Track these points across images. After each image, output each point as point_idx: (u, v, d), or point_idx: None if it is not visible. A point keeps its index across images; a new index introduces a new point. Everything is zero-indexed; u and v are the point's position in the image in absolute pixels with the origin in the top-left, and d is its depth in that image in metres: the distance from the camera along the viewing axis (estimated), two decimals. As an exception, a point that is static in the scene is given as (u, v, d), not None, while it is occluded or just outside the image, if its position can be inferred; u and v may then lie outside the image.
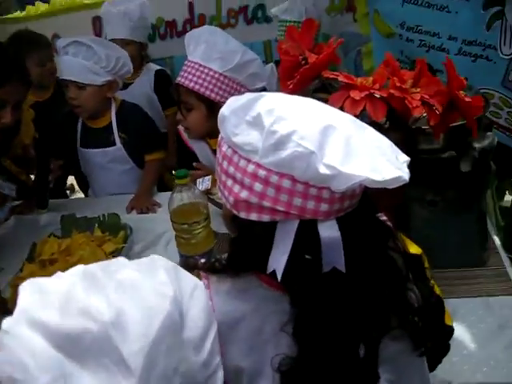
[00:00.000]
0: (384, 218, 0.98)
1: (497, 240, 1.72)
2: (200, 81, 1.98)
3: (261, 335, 0.90)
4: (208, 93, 1.99)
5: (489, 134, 1.53)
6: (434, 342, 0.98)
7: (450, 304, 1.43)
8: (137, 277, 0.67)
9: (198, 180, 1.87)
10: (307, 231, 0.81)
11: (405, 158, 0.82)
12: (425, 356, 0.93)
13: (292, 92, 1.26)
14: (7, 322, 0.61)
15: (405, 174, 0.79)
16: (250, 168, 0.81)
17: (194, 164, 2.07)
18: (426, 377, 0.98)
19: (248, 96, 0.86)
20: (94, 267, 0.68)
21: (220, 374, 0.74)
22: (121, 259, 0.72)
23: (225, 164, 0.86)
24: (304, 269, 0.83)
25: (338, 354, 0.85)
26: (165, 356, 0.63)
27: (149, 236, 1.98)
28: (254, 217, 0.83)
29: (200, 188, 1.76)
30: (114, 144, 2.35)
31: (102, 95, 2.26)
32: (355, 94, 1.16)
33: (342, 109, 1.16)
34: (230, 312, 0.90)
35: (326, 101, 1.21)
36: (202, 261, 0.99)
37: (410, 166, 0.84)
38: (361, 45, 2.65)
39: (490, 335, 1.39)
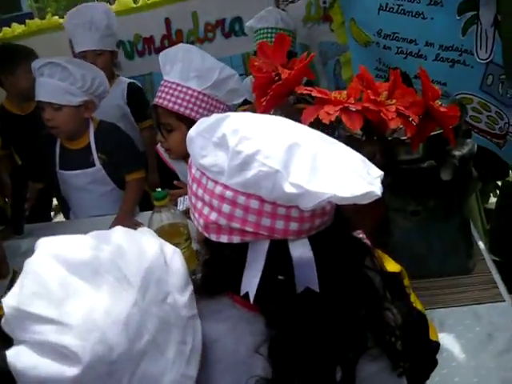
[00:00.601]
0: (361, 235, 0.97)
1: (482, 246, 1.71)
2: (179, 101, 1.96)
3: (235, 356, 0.88)
4: (188, 112, 1.97)
5: (468, 140, 1.52)
6: (418, 359, 0.97)
7: (437, 314, 1.43)
8: (130, 233, 0.83)
9: (179, 199, 1.85)
10: (278, 251, 0.80)
11: (377, 173, 0.81)
12: (404, 376, 0.91)
13: (265, 109, 1.25)
14: (31, 257, 0.76)
15: (376, 189, 0.77)
16: (218, 190, 0.81)
17: (175, 182, 2.05)
18: None
19: (215, 117, 0.86)
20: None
21: (198, 322, 0.85)
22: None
23: (194, 186, 0.86)
24: (277, 289, 0.82)
25: (314, 377, 0.84)
26: (155, 283, 0.77)
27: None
28: (224, 239, 0.82)
29: (180, 208, 1.74)
30: (93, 165, 2.32)
31: (78, 116, 2.24)
32: (329, 109, 1.15)
33: (317, 119, 1.16)
34: (204, 334, 0.88)
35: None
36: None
37: (391, 178, 0.83)
38: (339, 54, 2.65)
39: (479, 344, 1.38)
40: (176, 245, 1.43)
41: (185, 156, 2.11)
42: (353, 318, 0.85)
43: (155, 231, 1.47)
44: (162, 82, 2.03)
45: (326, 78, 2.99)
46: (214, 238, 0.83)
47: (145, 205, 2.42)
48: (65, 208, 2.66)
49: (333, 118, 1.12)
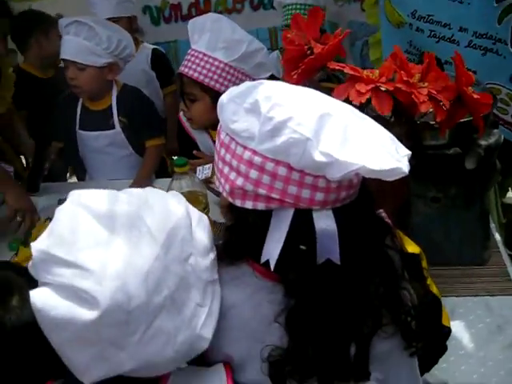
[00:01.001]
0: (383, 214, 0.97)
1: (498, 238, 1.70)
2: (204, 71, 1.94)
3: (251, 324, 0.89)
4: (213, 83, 1.95)
5: (495, 131, 1.50)
6: (429, 342, 0.97)
7: (449, 302, 1.43)
8: (160, 191, 0.88)
9: (198, 168, 1.85)
10: (302, 220, 0.80)
11: (405, 152, 0.81)
12: (416, 356, 0.92)
13: (296, 82, 1.23)
14: (58, 207, 0.81)
15: (404, 167, 0.77)
16: (246, 155, 0.81)
17: (195, 152, 2.04)
18: (415, 377, 0.96)
19: (247, 84, 0.86)
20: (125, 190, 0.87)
21: (218, 288, 0.87)
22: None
23: (222, 151, 0.86)
24: (298, 259, 0.82)
25: (329, 349, 0.84)
26: (179, 243, 0.79)
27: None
28: (249, 205, 0.83)
29: (200, 177, 1.74)
30: (113, 127, 2.32)
31: (102, 77, 2.22)
32: (361, 87, 1.13)
33: (346, 101, 1.14)
34: (221, 299, 0.89)
35: (333, 90, 1.20)
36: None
37: (414, 162, 0.82)
38: (368, 35, 2.61)
39: (489, 335, 1.38)
40: (194, 213, 1.46)
41: (206, 126, 2.11)
42: (370, 294, 0.85)
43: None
44: (189, 51, 2.00)
45: (352, 59, 2.96)
46: (238, 203, 0.84)
47: (162, 172, 2.43)
48: (78, 170, 2.66)
49: (363, 100, 1.11)
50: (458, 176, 1.45)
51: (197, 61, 1.95)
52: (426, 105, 1.15)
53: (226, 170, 0.85)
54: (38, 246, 0.76)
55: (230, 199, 0.85)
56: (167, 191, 1.48)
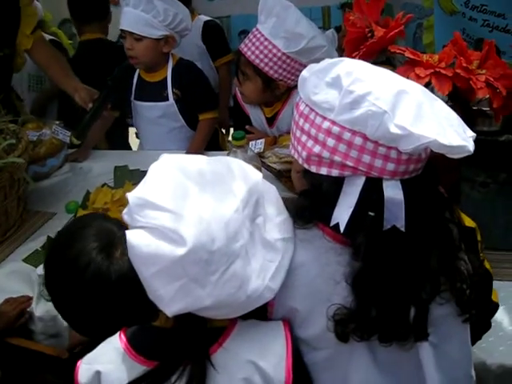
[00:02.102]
0: (442, 190, 1.01)
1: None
2: (261, 56, 1.98)
3: (317, 283, 0.95)
4: (267, 69, 1.99)
5: (548, 120, 1.51)
6: (479, 314, 1.00)
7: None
8: (239, 160, 0.97)
9: (251, 142, 1.90)
10: (373, 188, 0.87)
11: (471, 133, 0.87)
12: (468, 324, 0.97)
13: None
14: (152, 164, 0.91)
15: (470, 146, 0.83)
16: (325, 125, 0.88)
17: (247, 127, 2.09)
18: (466, 344, 1.01)
19: (328, 61, 0.93)
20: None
21: (291, 245, 0.95)
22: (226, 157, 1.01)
23: (301, 121, 0.93)
24: (367, 224, 0.89)
25: (391, 310, 0.90)
26: (253, 203, 0.88)
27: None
28: (324, 171, 0.90)
29: (253, 150, 1.79)
30: (166, 99, 2.38)
31: (158, 49, 2.28)
32: (420, 71, 1.17)
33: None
34: (291, 258, 0.95)
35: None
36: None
37: None
38: (422, 17, 2.60)
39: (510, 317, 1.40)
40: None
41: (257, 104, 2.16)
42: (431, 262, 0.91)
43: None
44: (254, 30, 2.03)
45: (403, 40, 2.94)
46: (314, 169, 0.91)
47: (213, 143, 2.48)
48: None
49: (423, 83, 1.14)
50: (509, 163, 1.47)
51: (257, 43, 1.99)
52: (483, 91, 1.18)
53: (304, 138, 0.92)
54: (134, 193, 0.87)
55: (306, 165, 0.93)
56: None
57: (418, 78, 1.15)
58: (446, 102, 1.26)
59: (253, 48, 2.00)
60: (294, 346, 0.95)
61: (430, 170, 0.92)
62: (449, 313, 0.94)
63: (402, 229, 0.87)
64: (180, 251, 0.80)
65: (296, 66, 1.99)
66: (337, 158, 0.87)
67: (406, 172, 0.87)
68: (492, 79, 1.19)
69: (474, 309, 0.96)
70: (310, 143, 0.90)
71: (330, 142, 0.87)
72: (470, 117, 1.34)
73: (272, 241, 0.91)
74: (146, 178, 0.90)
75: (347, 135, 0.86)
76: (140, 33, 2.21)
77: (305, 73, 0.95)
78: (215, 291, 0.84)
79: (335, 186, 0.90)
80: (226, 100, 2.99)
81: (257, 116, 2.22)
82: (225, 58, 3.02)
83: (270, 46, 1.97)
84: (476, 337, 1.13)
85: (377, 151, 0.85)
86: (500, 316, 1.40)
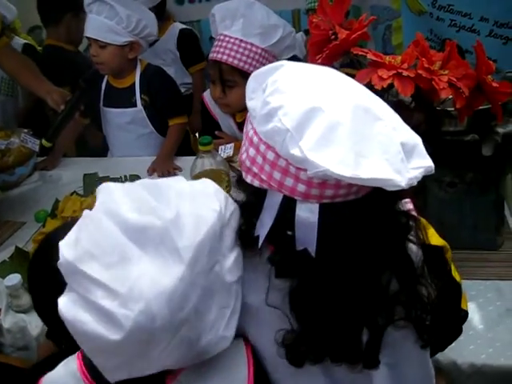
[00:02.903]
0: (409, 206, 0.95)
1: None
2: (244, 57, 1.97)
3: (265, 315, 0.90)
4: (251, 69, 1.96)
5: (513, 119, 1.52)
6: (445, 329, 0.99)
7: (462, 285, 1.46)
8: (192, 190, 0.84)
9: (220, 147, 1.89)
10: (288, 207, 0.81)
11: (419, 164, 0.77)
12: (428, 348, 0.93)
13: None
14: (87, 211, 0.79)
15: (400, 179, 0.74)
16: (250, 133, 0.84)
17: (217, 132, 2.08)
18: (427, 365, 0.97)
19: (273, 64, 0.88)
20: (158, 180, 0.84)
21: (240, 286, 0.87)
22: (180, 177, 0.89)
23: (246, 124, 0.89)
24: (284, 242, 0.84)
25: (337, 334, 0.86)
26: (206, 256, 0.77)
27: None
28: (248, 179, 0.85)
29: (222, 155, 1.78)
30: (135, 105, 2.37)
31: (123, 55, 2.27)
32: (383, 73, 1.17)
33: (368, 85, 1.17)
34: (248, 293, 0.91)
35: (352, 76, 1.23)
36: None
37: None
38: (390, 19, 2.62)
39: (498, 318, 1.41)
40: (216, 190, 1.51)
41: (241, 111, 2.12)
42: (381, 289, 0.85)
43: (197, 175, 1.54)
44: (221, 37, 2.01)
45: (373, 42, 2.96)
46: (244, 175, 0.87)
47: (185, 148, 2.47)
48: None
49: (385, 85, 1.14)
50: (475, 162, 1.48)
51: (234, 47, 1.97)
52: (446, 91, 1.18)
53: (243, 142, 0.88)
54: (65, 254, 0.76)
55: (242, 170, 0.88)
56: (191, 169, 1.56)
57: (380, 80, 1.15)
58: (410, 104, 1.29)
59: (232, 53, 1.98)
60: (256, 368, 0.91)
61: (382, 193, 0.78)
62: (406, 337, 0.90)
63: (313, 253, 0.81)
64: (116, 336, 0.72)
65: (271, 58, 2.01)
66: (255, 169, 0.82)
67: (324, 196, 0.78)
68: (454, 79, 1.20)
69: (435, 334, 0.92)
70: (243, 149, 0.87)
71: (251, 151, 0.83)
72: (434, 117, 1.35)
73: (228, 284, 0.83)
74: (78, 229, 0.79)
75: (262, 147, 0.81)
76: (103, 39, 2.21)
77: (253, 72, 0.90)
78: (160, 361, 0.79)
79: (259, 197, 0.84)
80: (198, 105, 2.99)
81: (226, 122, 2.22)
82: (199, 65, 3.02)
83: (248, 46, 1.96)
84: (446, 343, 1.12)
85: (288, 169, 0.78)
86: (470, 315, 1.38)
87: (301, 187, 0.78)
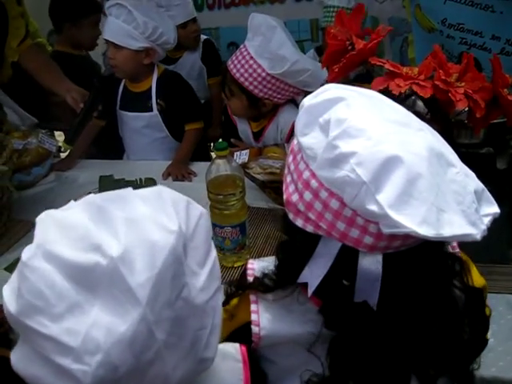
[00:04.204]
0: (456, 249, 0.92)
1: (525, 239, 1.72)
2: (246, 75, 1.99)
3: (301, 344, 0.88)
4: (251, 88, 2.00)
5: (528, 133, 1.52)
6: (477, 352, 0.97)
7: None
8: (143, 211, 0.70)
9: (235, 153, 1.91)
10: (348, 256, 0.76)
11: (488, 211, 0.76)
12: None
13: (337, 76, 1.28)
14: (25, 254, 0.67)
15: (476, 232, 0.72)
16: (306, 174, 0.76)
17: (232, 140, 2.11)
18: None
19: (328, 94, 0.79)
20: (104, 199, 0.71)
21: (219, 296, 0.77)
22: (129, 189, 0.76)
23: (290, 158, 0.82)
24: (339, 292, 0.80)
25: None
26: (169, 285, 0.67)
27: (183, 204, 2.01)
28: (299, 223, 0.79)
29: (237, 161, 1.79)
30: (150, 110, 2.39)
31: (137, 60, 2.29)
32: (400, 82, 1.18)
33: (385, 92, 1.17)
34: (276, 335, 0.89)
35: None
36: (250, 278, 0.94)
37: None
38: (408, 31, 2.62)
39: (509, 332, 1.40)
40: (230, 195, 1.52)
41: (246, 118, 2.17)
42: (435, 340, 0.82)
43: (212, 180, 1.55)
44: (241, 47, 2.04)
45: (391, 53, 2.98)
46: (291, 216, 0.80)
47: (203, 157, 2.51)
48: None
49: (403, 90, 1.15)
50: (489, 175, 1.47)
51: (243, 61, 2.00)
52: (462, 102, 1.19)
53: (288, 179, 0.81)
54: (9, 308, 0.67)
55: (286, 209, 0.81)
56: (206, 174, 1.56)
57: (397, 87, 1.16)
58: (426, 115, 1.29)
59: (238, 66, 2.01)
60: (253, 370, 0.87)
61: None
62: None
63: (374, 307, 0.76)
64: None
65: (282, 85, 2.01)
66: (311, 216, 0.76)
67: (389, 247, 0.74)
68: (471, 91, 1.21)
69: (468, 378, 0.91)
70: (291, 188, 0.79)
71: (307, 195, 0.75)
72: (450, 129, 1.36)
73: (202, 304, 0.73)
74: (18, 279, 0.67)
75: (324, 194, 0.74)
76: (119, 43, 2.24)
77: (306, 102, 0.80)
78: None
79: (310, 242, 0.78)
80: (218, 117, 3.02)
81: (243, 129, 2.24)
82: (218, 78, 3.05)
83: (255, 66, 1.98)
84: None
85: (354, 220, 0.72)
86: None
87: (368, 239, 0.73)
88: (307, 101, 0.80)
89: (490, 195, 0.77)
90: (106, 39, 2.29)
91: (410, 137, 0.72)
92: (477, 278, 0.96)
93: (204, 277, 0.73)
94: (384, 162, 0.68)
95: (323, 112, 0.76)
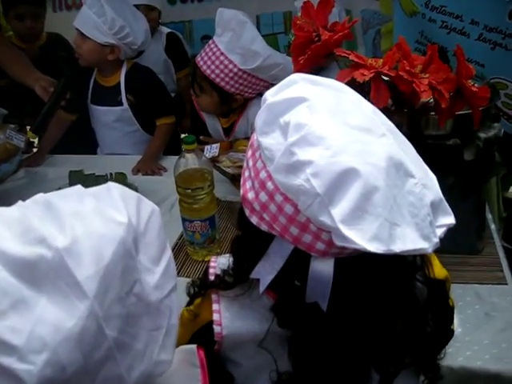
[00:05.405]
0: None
1: (493, 229, 1.73)
2: (217, 71, 1.98)
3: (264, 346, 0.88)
4: (223, 84, 1.99)
5: (496, 124, 1.53)
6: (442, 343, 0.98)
7: (440, 288, 1.47)
8: (92, 206, 0.68)
9: (206, 147, 1.90)
10: (300, 259, 0.76)
11: (443, 221, 0.75)
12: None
13: (302, 68, 1.27)
14: None
15: (427, 246, 0.71)
16: (263, 175, 0.75)
17: (201, 137, 2.09)
18: None
19: (294, 92, 0.76)
20: (51, 196, 0.69)
21: (173, 297, 0.74)
22: (78, 187, 0.73)
23: (249, 152, 0.81)
24: (290, 292, 0.80)
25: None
26: (119, 279, 0.65)
27: (153, 198, 1.93)
28: (254, 220, 0.78)
29: (207, 155, 1.79)
30: (120, 104, 2.38)
31: (102, 54, 2.27)
32: (364, 71, 1.17)
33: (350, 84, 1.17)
34: (238, 334, 0.88)
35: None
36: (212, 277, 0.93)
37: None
38: (381, 24, 2.63)
39: (476, 321, 1.41)
40: (199, 189, 1.51)
41: (216, 114, 2.15)
42: (393, 338, 0.83)
43: (180, 174, 1.54)
44: (211, 42, 2.02)
45: (364, 46, 2.98)
46: (247, 213, 0.79)
47: (175, 148, 2.49)
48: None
49: (367, 78, 1.14)
50: (457, 166, 1.48)
51: (213, 58, 1.98)
52: (426, 93, 1.19)
53: (246, 174, 0.80)
54: None
55: (243, 205, 0.80)
56: (174, 168, 1.55)
57: (361, 76, 1.15)
58: (391, 107, 1.29)
59: (209, 62, 1.99)
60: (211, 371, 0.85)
61: None
62: (412, 375, 0.91)
63: (324, 309, 0.76)
64: None
65: (253, 80, 2.01)
66: (266, 216, 0.75)
67: (342, 253, 0.73)
68: (435, 82, 1.21)
69: (438, 372, 0.92)
70: (248, 184, 0.78)
71: (263, 196, 0.74)
72: (415, 121, 1.36)
73: (156, 303, 0.71)
74: None
75: (279, 198, 0.72)
76: (86, 33, 2.23)
77: (268, 96, 0.78)
78: None
79: (264, 239, 0.78)
80: (189, 108, 3.00)
81: (213, 125, 2.24)
82: (185, 70, 3.05)
83: (226, 62, 1.97)
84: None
85: (307, 226, 0.71)
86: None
87: (320, 246, 0.72)
88: (270, 96, 0.78)
89: (447, 205, 0.77)
90: (75, 27, 2.27)
91: (371, 146, 0.71)
92: (438, 270, 0.96)
93: (158, 275, 0.71)
94: (340, 175, 0.67)
95: (284, 112, 0.74)
